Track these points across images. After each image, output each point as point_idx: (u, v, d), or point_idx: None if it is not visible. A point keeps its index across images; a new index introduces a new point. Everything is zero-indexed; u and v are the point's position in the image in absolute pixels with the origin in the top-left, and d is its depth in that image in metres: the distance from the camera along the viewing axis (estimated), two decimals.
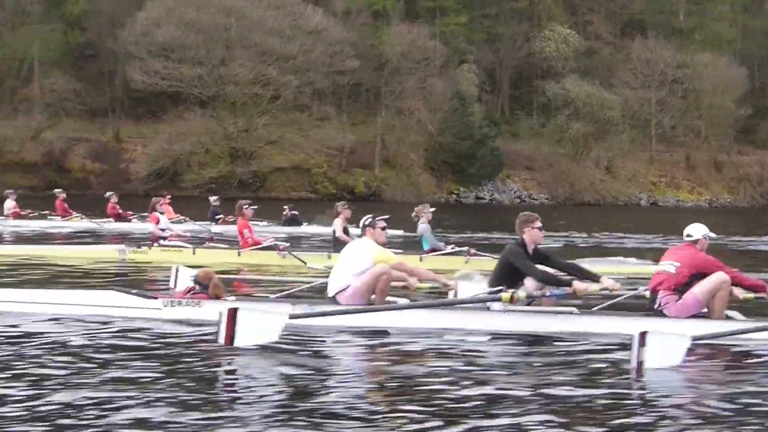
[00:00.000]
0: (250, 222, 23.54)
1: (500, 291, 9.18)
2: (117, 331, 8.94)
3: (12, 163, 63.17)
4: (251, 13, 64.40)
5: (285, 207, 28.91)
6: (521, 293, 9.16)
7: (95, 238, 24.10)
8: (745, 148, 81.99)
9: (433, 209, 18.36)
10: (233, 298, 10.27)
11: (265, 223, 26.44)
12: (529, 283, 9.53)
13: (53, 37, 68.23)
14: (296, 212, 27.81)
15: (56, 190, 30.66)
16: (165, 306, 9.92)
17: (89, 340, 8.49)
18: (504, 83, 78.95)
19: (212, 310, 9.42)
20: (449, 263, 15.32)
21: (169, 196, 28.59)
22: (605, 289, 9.47)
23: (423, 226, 17.41)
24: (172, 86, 64.66)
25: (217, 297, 9.95)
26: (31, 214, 28.95)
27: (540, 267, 9.75)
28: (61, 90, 66.67)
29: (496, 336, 9.06)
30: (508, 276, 9.66)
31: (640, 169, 78.17)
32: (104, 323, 9.30)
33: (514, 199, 71.12)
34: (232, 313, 8.22)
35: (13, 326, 9.12)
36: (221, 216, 27.47)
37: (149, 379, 6.86)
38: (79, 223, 28.25)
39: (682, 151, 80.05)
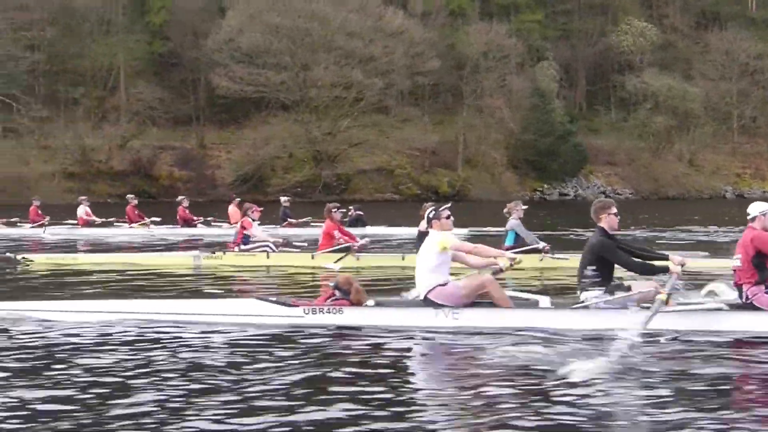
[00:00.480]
0: (312, 223, 24.39)
1: (654, 292, 8.97)
2: (262, 340, 8.97)
3: (100, 172, 64.42)
4: (333, 16, 64.84)
5: (350, 207, 28.33)
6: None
7: (167, 244, 23.99)
8: None
9: (525, 207, 18.00)
10: (373, 302, 10.09)
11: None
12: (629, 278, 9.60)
13: (138, 46, 68.89)
14: (361, 212, 27.43)
15: (128, 196, 30.55)
16: (306, 313, 9.94)
17: (236, 348, 8.52)
18: (580, 79, 78.45)
19: (353, 317, 9.77)
20: (527, 260, 14.67)
21: (237, 198, 29.42)
22: (683, 264, 9.22)
23: (513, 222, 17.21)
24: (258, 92, 65.38)
25: (359, 302, 9.94)
26: (104, 221, 28.90)
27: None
28: (147, 99, 67.50)
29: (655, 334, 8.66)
30: (601, 267, 9.45)
31: (723, 162, 77.36)
32: (248, 332, 9.35)
33: (599, 195, 67.91)
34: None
35: (163, 334, 9.20)
36: (290, 219, 27.25)
37: (299, 385, 6.95)
38: (148, 229, 28.00)
39: (764, 142, 78.89)
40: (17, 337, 9.21)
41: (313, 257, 17.45)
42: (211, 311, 10.39)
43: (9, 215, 30.12)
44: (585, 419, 5.90)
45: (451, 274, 10.22)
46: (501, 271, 10.32)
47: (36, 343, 8.76)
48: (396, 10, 68.06)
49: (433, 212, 10.58)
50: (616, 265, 9.55)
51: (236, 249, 18.74)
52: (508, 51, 69.36)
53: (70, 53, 67.09)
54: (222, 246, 19.68)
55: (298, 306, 10.15)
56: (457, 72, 69.98)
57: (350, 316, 9.81)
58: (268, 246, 18.86)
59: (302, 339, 9.05)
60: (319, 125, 66.09)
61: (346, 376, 7.45)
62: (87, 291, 13.77)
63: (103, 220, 29.25)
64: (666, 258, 9.49)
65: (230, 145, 68.95)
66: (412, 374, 7.84)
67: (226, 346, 8.70)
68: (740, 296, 9.50)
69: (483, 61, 68.81)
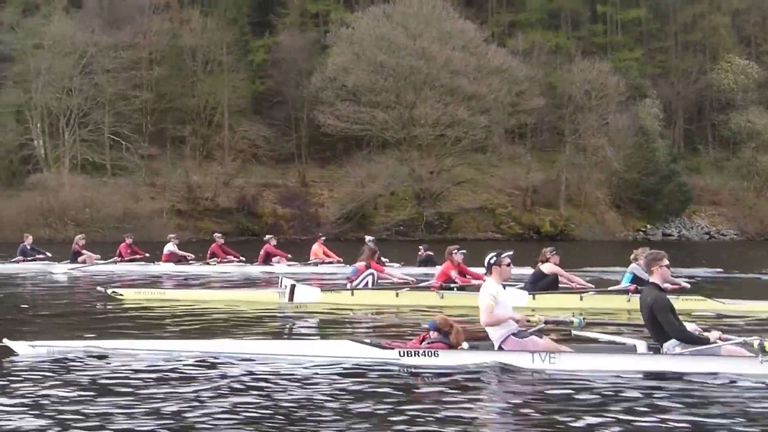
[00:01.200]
0: (387, 264, 24.46)
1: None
2: (357, 381, 9.10)
3: (206, 209, 65.29)
4: (438, 54, 64.94)
5: (420, 247, 28.59)
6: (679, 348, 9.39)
7: (248, 280, 24.53)
8: None
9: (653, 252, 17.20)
10: (467, 345, 10.16)
11: (399, 264, 26.55)
12: (670, 345, 9.51)
13: (241, 85, 70.37)
14: (431, 252, 27.31)
15: (215, 234, 30.92)
16: (402, 356, 9.99)
17: (329, 389, 8.74)
18: (678, 117, 77.71)
19: (448, 359, 9.84)
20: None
21: (323, 237, 29.86)
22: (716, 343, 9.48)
23: (635, 266, 17.30)
24: (363, 130, 65.94)
25: (457, 344, 10.02)
26: (189, 258, 29.19)
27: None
28: (251, 137, 69.29)
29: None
30: (652, 323, 9.65)
31: None
32: (342, 374, 9.50)
33: (703, 236, 70.06)
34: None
35: (255, 374, 9.47)
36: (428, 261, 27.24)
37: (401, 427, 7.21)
38: (232, 267, 28.14)
39: None
40: (114, 372, 9.49)
41: (442, 297, 17.38)
42: (306, 353, 10.48)
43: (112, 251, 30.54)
44: None
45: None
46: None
47: (137, 379, 9.00)
48: (498, 48, 68.50)
49: (495, 258, 10.47)
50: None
51: (349, 285, 18.83)
52: (611, 89, 68.69)
53: (177, 92, 68.58)
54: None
55: (393, 348, 10.18)
56: (558, 110, 70.16)
57: (445, 359, 9.82)
58: (397, 284, 18.92)
59: (397, 381, 9.11)
60: (422, 163, 65.94)
61: (429, 416, 7.55)
62: (177, 328, 14.10)
63: (190, 256, 29.34)
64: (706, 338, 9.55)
65: (332, 182, 69.65)
66: (505, 415, 7.96)
67: (320, 386, 8.84)
68: None
69: (585, 99, 68.71)
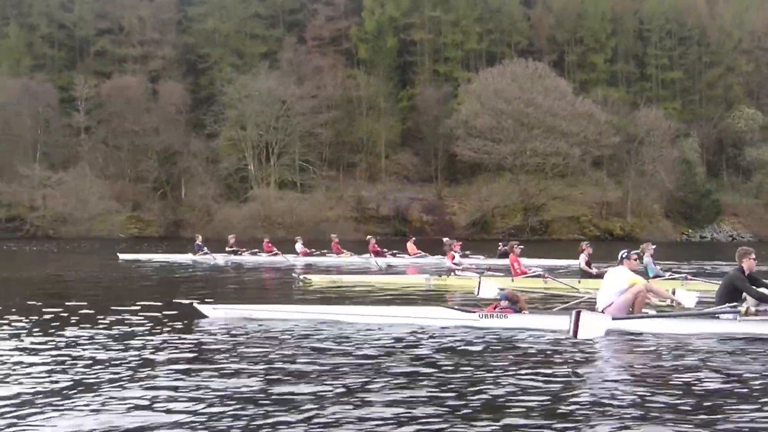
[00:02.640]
0: (470, 256, 28.22)
1: (737, 306, 11.02)
2: (450, 336, 10.78)
3: (371, 216, 79.72)
4: (543, 103, 79.51)
5: (500, 243, 32.48)
6: (752, 307, 10.95)
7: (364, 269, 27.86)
8: None
9: (654, 246, 20.69)
10: (527, 312, 11.89)
11: (482, 257, 30.22)
12: (750, 301, 11.09)
13: (393, 124, 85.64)
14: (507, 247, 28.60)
15: (332, 235, 35.19)
16: (480, 318, 11.73)
17: (432, 342, 10.35)
18: (705, 151, 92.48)
19: (516, 321, 11.58)
20: (669, 285, 17.08)
21: (414, 238, 36.42)
22: None
23: (647, 259, 19.56)
24: (488, 159, 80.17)
25: (522, 309, 11.84)
26: (319, 252, 33.79)
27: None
28: (402, 162, 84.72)
29: (730, 339, 10.63)
30: (730, 294, 11.40)
31: None
32: (435, 333, 11.11)
33: (728, 238, 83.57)
34: (578, 315, 10.58)
35: (370, 332, 11.15)
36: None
37: (498, 372, 8.29)
38: (350, 258, 32.47)
39: None
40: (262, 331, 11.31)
41: (512, 281, 19.71)
42: (411, 315, 12.35)
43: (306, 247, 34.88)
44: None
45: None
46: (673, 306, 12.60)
47: (324, 337, 10.75)
48: (583, 99, 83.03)
49: (626, 253, 12.60)
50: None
51: (452, 275, 21.47)
52: (663, 130, 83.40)
53: (348, 130, 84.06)
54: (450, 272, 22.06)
55: (474, 312, 11.93)
56: (627, 145, 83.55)
57: (513, 321, 11.60)
58: (480, 270, 21.69)
59: (477, 336, 10.77)
60: (528, 183, 79.98)
61: (504, 362, 8.97)
62: (346, 299, 16.53)
63: (319, 251, 33.87)
64: None
65: (460, 196, 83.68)
66: (561, 360, 9.20)
67: (425, 340, 10.53)
68: None
69: (645, 137, 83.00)
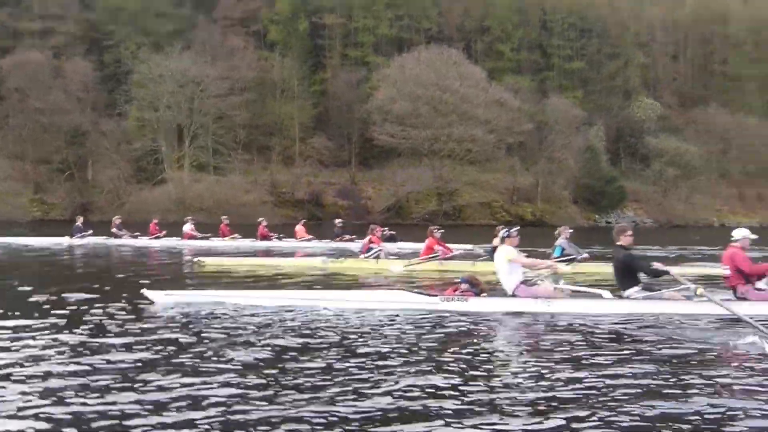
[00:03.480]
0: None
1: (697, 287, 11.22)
2: (412, 320, 10.85)
3: (285, 201, 78.43)
4: (458, 88, 80.00)
5: (384, 228, 31.17)
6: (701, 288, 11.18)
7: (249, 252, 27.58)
8: None
9: (571, 230, 21.53)
10: (486, 295, 12.21)
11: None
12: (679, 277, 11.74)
13: (307, 108, 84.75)
14: (394, 232, 30.80)
15: (222, 217, 35.02)
16: (442, 301, 11.94)
17: (394, 325, 10.38)
18: (608, 139, 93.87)
19: (476, 304, 11.86)
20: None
21: (304, 220, 36.88)
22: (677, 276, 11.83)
23: (561, 240, 20.42)
24: (406, 144, 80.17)
25: (482, 292, 12.22)
26: (204, 236, 33.23)
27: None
28: (317, 146, 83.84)
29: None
30: (629, 273, 11.99)
31: (709, 200, 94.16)
32: (397, 316, 11.17)
33: (631, 223, 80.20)
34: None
35: (331, 318, 11.07)
36: (342, 235, 31.89)
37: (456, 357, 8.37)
38: (237, 242, 32.08)
39: (736, 187, 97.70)
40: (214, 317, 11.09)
41: (441, 264, 20.43)
42: (369, 299, 12.29)
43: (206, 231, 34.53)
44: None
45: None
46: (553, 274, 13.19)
47: (233, 324, 10.39)
48: (496, 86, 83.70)
49: (507, 232, 13.11)
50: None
51: (362, 256, 21.83)
52: (571, 118, 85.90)
53: (263, 112, 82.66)
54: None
55: (437, 296, 12.16)
56: (536, 132, 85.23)
57: (473, 304, 11.84)
58: (380, 253, 21.95)
59: (438, 319, 10.92)
60: (443, 170, 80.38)
61: (467, 345, 9.08)
62: (254, 284, 16.30)
63: (203, 235, 33.33)
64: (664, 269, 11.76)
65: (374, 182, 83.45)
66: (516, 339, 9.90)
67: (385, 324, 10.47)
68: (734, 294, 11.91)
69: (554, 125, 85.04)
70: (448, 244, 22.35)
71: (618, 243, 12.24)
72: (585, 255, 20.39)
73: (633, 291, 11.98)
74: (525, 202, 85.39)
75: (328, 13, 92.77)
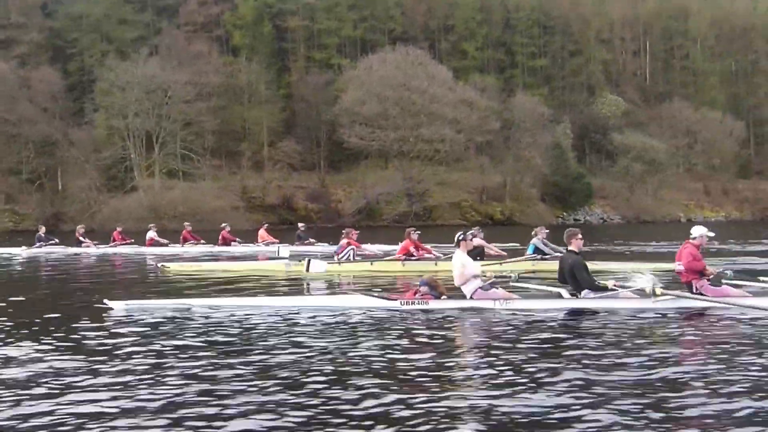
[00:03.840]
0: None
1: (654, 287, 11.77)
2: (372, 323, 10.84)
3: (256, 205, 77.86)
4: (427, 89, 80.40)
5: (300, 225, 34.61)
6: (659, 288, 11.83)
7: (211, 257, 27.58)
8: (742, 180, 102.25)
9: (547, 231, 21.98)
10: (446, 296, 12.38)
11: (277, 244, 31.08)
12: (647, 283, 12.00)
13: (275, 112, 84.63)
14: (305, 232, 32.52)
15: (185, 224, 34.91)
16: (402, 305, 11.97)
17: (351, 329, 10.39)
18: (574, 136, 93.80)
19: (437, 306, 11.96)
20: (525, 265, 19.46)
21: (266, 224, 36.46)
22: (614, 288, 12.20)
23: (536, 240, 20.88)
24: (376, 146, 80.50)
25: (441, 295, 12.28)
26: (168, 242, 33.25)
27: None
28: (286, 150, 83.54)
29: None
30: (573, 278, 12.25)
31: (675, 195, 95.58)
32: (358, 320, 11.11)
33: (599, 220, 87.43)
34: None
35: (292, 322, 10.99)
36: (304, 239, 32.51)
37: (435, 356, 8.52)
38: (199, 247, 32.12)
39: (701, 182, 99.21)
40: (183, 323, 11.02)
41: (404, 264, 20.88)
42: (333, 303, 12.37)
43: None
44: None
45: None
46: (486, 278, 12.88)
47: (204, 328, 10.55)
48: (464, 85, 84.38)
49: (462, 235, 13.17)
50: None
51: (336, 258, 22.01)
52: (538, 116, 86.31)
53: (231, 117, 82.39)
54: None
55: (396, 299, 12.18)
56: (504, 131, 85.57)
57: (434, 306, 11.97)
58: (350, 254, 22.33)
59: (400, 323, 10.89)
60: (412, 171, 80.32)
61: (427, 345, 9.27)
62: (217, 290, 16.17)
63: (166, 241, 33.24)
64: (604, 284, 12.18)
65: (343, 185, 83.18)
66: (475, 338, 10.11)
67: (345, 328, 10.46)
68: (690, 289, 12.22)
69: (521, 123, 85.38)
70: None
71: (569, 248, 12.50)
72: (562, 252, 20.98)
73: (587, 291, 12.24)
74: (494, 201, 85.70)
75: (291, 16, 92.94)
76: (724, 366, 7.92)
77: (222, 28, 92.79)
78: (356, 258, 22.25)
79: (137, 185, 76.77)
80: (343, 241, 22.66)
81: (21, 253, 31.67)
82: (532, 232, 21.36)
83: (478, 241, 21.19)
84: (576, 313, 11.78)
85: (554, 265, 17.33)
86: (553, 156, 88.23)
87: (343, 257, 21.95)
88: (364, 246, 24.76)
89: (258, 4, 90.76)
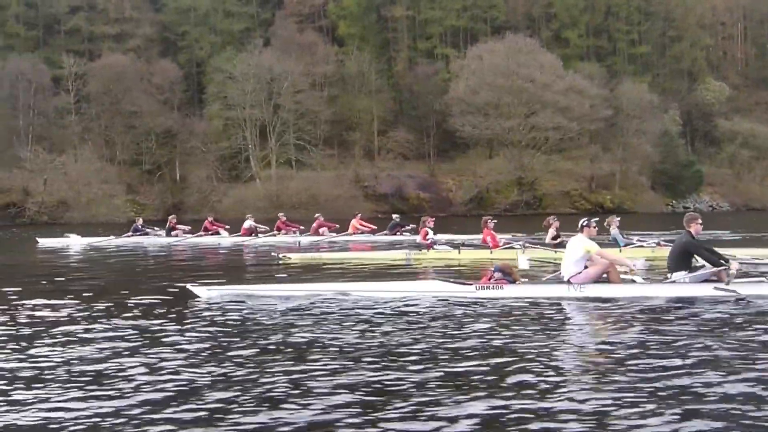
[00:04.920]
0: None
1: (725, 268, 11.91)
2: (450, 308, 11.16)
3: (369, 194, 78.53)
4: (540, 78, 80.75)
5: (393, 216, 33.34)
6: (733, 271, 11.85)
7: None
8: None
9: (618, 218, 22.45)
10: (520, 282, 12.62)
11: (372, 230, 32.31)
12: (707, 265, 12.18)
13: (384, 99, 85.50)
14: (403, 225, 31.69)
15: (279, 214, 35.52)
16: (477, 289, 12.30)
17: (430, 313, 10.70)
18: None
19: (511, 291, 12.18)
20: (641, 253, 19.21)
21: (359, 214, 36.51)
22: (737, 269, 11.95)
23: (614, 231, 21.25)
24: (492, 135, 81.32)
25: (516, 280, 12.52)
26: (265, 231, 33.15)
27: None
28: (399, 140, 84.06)
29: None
30: (683, 259, 12.33)
31: None
32: (435, 304, 11.49)
33: (708, 208, 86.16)
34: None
35: (369, 307, 11.30)
36: (398, 229, 31.83)
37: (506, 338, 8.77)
38: (288, 237, 32.18)
39: None
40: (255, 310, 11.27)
41: (491, 252, 20.98)
42: (409, 289, 12.89)
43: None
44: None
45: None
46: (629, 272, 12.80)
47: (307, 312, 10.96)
48: (573, 73, 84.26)
49: (586, 221, 13.25)
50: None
51: (431, 249, 22.11)
52: (646, 103, 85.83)
53: (344, 107, 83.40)
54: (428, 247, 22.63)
55: (471, 284, 12.50)
56: (613, 118, 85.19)
57: (508, 291, 12.20)
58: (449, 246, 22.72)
59: (474, 306, 11.18)
60: (523, 159, 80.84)
61: (505, 328, 9.39)
62: (333, 276, 16.73)
63: (265, 229, 33.25)
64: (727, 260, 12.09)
65: (452, 173, 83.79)
66: (551, 324, 9.89)
67: (426, 311, 10.84)
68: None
69: (630, 110, 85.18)
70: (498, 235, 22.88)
71: (688, 229, 12.56)
72: (635, 239, 21.78)
73: (680, 275, 12.32)
74: (603, 190, 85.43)
75: (394, 6, 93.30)
76: None
77: (323, 19, 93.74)
78: (441, 245, 22.63)
79: (255, 175, 77.98)
80: (422, 231, 23.11)
81: (113, 240, 32.56)
82: (605, 223, 21.14)
83: (553, 231, 21.89)
84: (660, 298, 11.86)
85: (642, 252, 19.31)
86: (662, 143, 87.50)
87: (424, 246, 22.37)
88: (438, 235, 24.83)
89: None
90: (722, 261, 12.09)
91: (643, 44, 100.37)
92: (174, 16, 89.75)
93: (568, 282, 12.38)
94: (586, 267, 12.64)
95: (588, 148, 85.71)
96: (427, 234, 22.81)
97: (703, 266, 12.37)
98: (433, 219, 24.70)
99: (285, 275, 17.53)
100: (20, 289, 14.77)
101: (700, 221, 12.59)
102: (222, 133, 79.67)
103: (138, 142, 78.48)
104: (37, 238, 33.47)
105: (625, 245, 20.88)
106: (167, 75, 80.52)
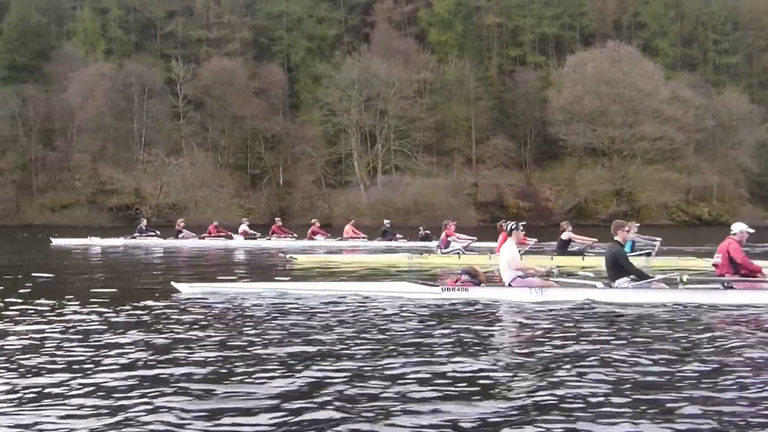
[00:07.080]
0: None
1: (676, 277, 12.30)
2: (414, 308, 11.62)
3: (469, 203, 78.67)
4: (643, 86, 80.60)
5: (420, 228, 34.94)
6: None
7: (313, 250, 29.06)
8: None
9: (638, 225, 22.14)
10: (485, 285, 13.11)
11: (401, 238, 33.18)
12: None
13: (484, 106, 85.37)
14: (428, 232, 32.84)
15: (276, 219, 38.82)
16: (444, 291, 12.85)
17: (398, 312, 11.10)
18: None
19: (476, 293, 12.71)
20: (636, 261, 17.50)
21: (353, 220, 37.37)
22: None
23: (631, 235, 19.63)
24: (596, 143, 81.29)
25: (482, 283, 13.06)
26: (261, 235, 34.65)
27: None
28: (499, 148, 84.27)
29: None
30: (617, 268, 12.73)
31: None
32: (401, 304, 11.91)
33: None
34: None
35: (339, 307, 11.73)
36: (390, 235, 33.88)
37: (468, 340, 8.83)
38: (282, 242, 33.42)
39: None
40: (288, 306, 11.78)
41: (490, 258, 21.30)
42: (378, 289, 13.29)
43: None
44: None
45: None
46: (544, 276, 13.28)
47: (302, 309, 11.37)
48: (677, 82, 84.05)
49: (514, 224, 14.14)
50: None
51: (438, 252, 23.03)
52: (746, 114, 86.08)
53: (444, 115, 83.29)
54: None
55: (438, 286, 13.07)
56: (712, 128, 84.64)
57: (473, 293, 12.71)
58: (459, 250, 23.16)
59: (441, 308, 11.64)
60: (625, 169, 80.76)
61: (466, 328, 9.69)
62: (333, 276, 17.31)
63: (260, 234, 34.87)
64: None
65: (548, 182, 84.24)
66: (509, 325, 10.38)
67: (394, 311, 11.23)
68: (722, 284, 12.64)
69: (729, 121, 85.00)
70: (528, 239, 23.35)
71: (615, 238, 12.95)
72: (658, 241, 22.13)
73: (622, 281, 12.69)
74: (700, 202, 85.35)
75: (485, 14, 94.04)
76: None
77: (413, 25, 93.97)
78: (468, 250, 23.33)
79: (360, 181, 78.17)
80: (443, 234, 23.69)
81: (121, 242, 33.65)
82: (625, 228, 20.91)
83: (567, 234, 22.48)
84: (606, 303, 12.13)
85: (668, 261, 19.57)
86: (760, 155, 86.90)
87: (449, 251, 22.91)
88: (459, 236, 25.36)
89: (453, 1, 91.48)
90: (644, 275, 12.79)
91: (732, 54, 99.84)
92: (267, 21, 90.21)
93: (509, 286, 13.07)
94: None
95: (686, 159, 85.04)
96: (447, 238, 23.46)
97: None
98: (455, 222, 25.28)
99: (272, 274, 18.30)
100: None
101: (627, 228, 13.17)
102: (324, 138, 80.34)
103: (245, 146, 78.75)
104: (51, 239, 34.72)
105: (634, 253, 20.75)
106: (272, 79, 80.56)
